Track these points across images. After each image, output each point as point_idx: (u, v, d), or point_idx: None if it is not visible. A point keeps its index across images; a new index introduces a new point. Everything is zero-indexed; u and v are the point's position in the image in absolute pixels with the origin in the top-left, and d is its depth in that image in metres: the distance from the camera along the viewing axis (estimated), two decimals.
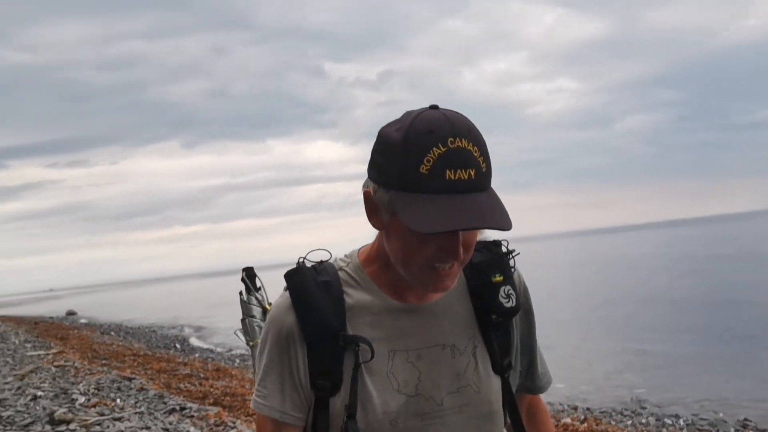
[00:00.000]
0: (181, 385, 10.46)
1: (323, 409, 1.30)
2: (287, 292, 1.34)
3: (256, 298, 2.18)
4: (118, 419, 6.25)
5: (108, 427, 5.97)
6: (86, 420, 6.22)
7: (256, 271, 2.28)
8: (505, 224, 1.17)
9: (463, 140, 1.17)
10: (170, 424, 6.14)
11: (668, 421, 9.22)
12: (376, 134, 1.27)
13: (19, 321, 30.86)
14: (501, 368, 1.38)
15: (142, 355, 16.06)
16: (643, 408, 10.28)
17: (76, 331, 24.12)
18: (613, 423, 8.97)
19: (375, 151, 1.26)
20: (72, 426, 6.03)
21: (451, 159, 1.16)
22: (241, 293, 2.16)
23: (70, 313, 44.42)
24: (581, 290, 31.57)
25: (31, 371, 10.53)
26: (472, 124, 1.21)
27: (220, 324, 28.41)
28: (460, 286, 1.38)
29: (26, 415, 6.59)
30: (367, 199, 1.28)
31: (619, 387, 11.92)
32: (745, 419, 9.28)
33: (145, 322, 34.70)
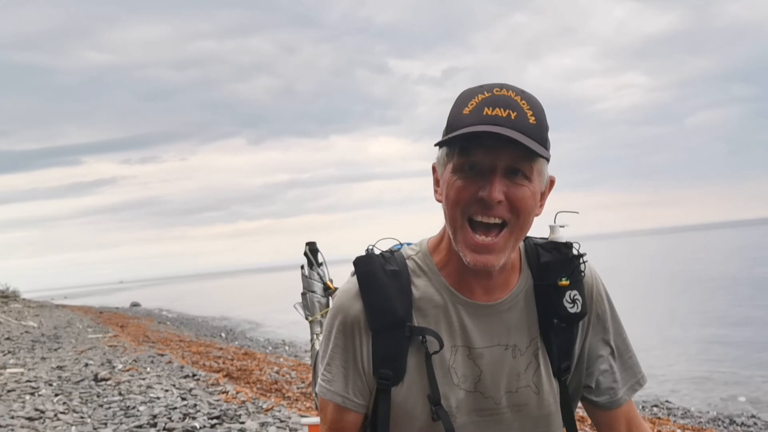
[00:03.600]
0: (206, 363, 12.62)
1: (384, 398, 1.32)
2: (354, 277, 1.35)
3: (318, 274, 2.20)
4: (143, 379, 8.51)
5: (134, 383, 8.22)
6: (120, 379, 8.52)
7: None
8: (537, 148, 1.16)
9: (511, 92, 1.20)
10: (179, 383, 8.34)
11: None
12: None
13: (86, 310, 33.22)
14: (559, 371, 1.37)
15: (187, 341, 17.86)
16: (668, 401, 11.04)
17: (135, 320, 26.13)
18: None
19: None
20: (109, 382, 8.32)
21: (493, 101, 1.19)
22: (302, 267, 2.18)
23: (134, 305, 46.65)
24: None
25: (89, 348, 13.00)
26: (530, 92, 1.23)
27: (269, 318, 29.63)
28: (527, 286, 1.38)
29: (79, 376, 8.94)
30: (433, 170, 1.32)
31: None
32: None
33: (200, 313, 36.58)
